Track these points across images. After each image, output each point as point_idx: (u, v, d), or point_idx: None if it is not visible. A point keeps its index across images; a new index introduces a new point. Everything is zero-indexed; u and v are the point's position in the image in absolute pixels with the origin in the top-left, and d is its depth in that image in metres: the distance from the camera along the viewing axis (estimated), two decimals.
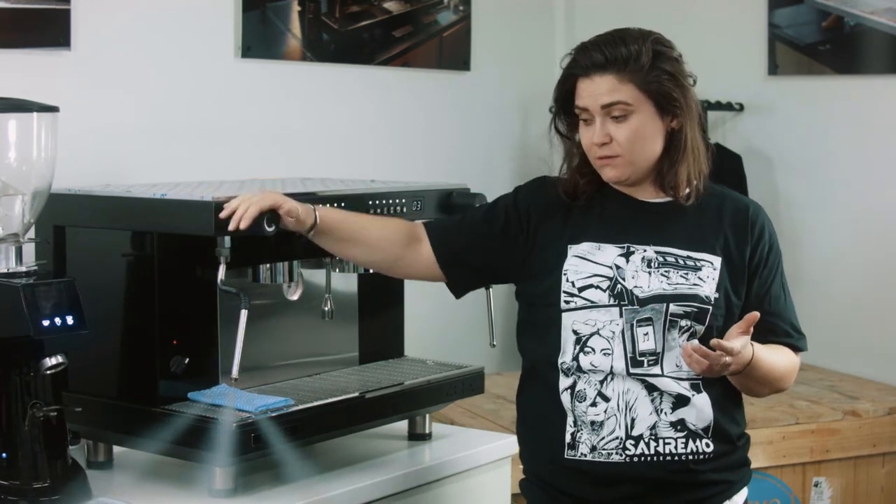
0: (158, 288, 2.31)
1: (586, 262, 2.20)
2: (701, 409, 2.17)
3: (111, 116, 2.89)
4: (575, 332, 2.18)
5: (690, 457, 2.17)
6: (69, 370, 2.23)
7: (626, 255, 2.20)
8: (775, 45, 4.05)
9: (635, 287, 2.17)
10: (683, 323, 2.16)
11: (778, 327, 2.25)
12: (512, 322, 2.32)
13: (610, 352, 2.16)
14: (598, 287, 2.18)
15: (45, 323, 2.11)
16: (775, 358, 2.21)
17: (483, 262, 2.32)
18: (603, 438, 2.16)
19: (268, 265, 2.41)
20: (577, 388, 2.18)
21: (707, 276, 2.19)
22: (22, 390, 2.17)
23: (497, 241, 2.30)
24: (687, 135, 2.20)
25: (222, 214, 2.20)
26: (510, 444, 2.63)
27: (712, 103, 4.03)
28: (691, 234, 2.22)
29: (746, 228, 2.25)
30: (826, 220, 4.00)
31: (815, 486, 3.38)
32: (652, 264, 2.19)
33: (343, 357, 2.71)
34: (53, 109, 2.24)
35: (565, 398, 2.19)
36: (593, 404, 2.17)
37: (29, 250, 2.28)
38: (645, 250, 2.20)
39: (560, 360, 2.19)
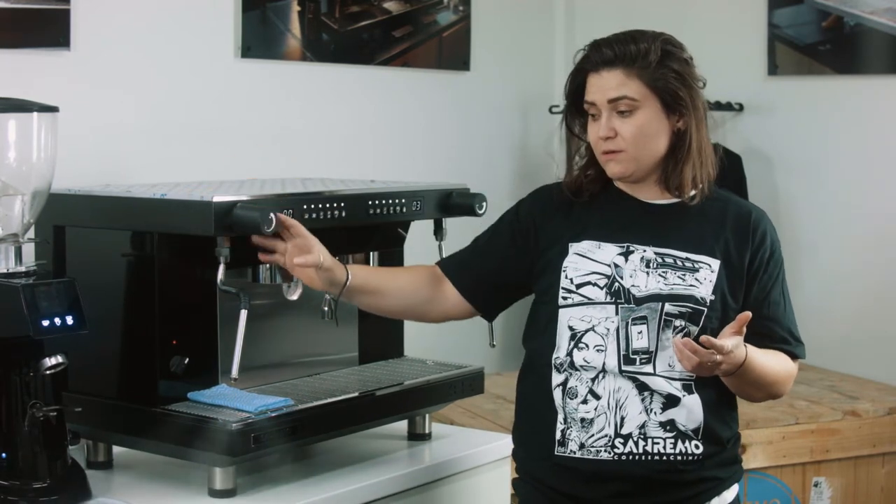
0: (158, 288, 2.31)
1: (586, 260, 2.21)
2: (691, 411, 2.17)
3: (111, 116, 2.89)
4: (570, 328, 2.19)
5: (679, 457, 2.17)
6: (69, 370, 2.23)
7: (626, 255, 2.20)
8: (775, 46, 4.05)
9: (633, 286, 2.18)
10: (678, 323, 2.16)
11: (775, 333, 2.25)
12: (512, 322, 2.32)
13: (603, 348, 2.16)
14: (595, 284, 2.19)
15: (45, 323, 2.11)
16: (770, 362, 2.20)
17: (502, 280, 2.35)
18: (592, 436, 2.17)
19: (268, 265, 2.40)
20: (568, 385, 2.19)
21: (704, 278, 2.19)
22: (22, 390, 2.17)
23: (508, 256, 2.32)
24: (693, 136, 2.20)
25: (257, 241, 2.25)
26: (510, 444, 2.62)
27: (712, 103, 3.99)
28: (691, 236, 2.23)
29: (748, 233, 2.25)
30: (826, 219, 4.00)
31: (815, 486, 3.38)
32: (651, 264, 2.19)
33: (343, 357, 2.70)
34: (53, 109, 2.24)
35: (557, 395, 2.20)
36: (584, 401, 2.17)
37: (29, 250, 2.28)
38: (644, 250, 2.21)
39: (554, 356, 2.20)
